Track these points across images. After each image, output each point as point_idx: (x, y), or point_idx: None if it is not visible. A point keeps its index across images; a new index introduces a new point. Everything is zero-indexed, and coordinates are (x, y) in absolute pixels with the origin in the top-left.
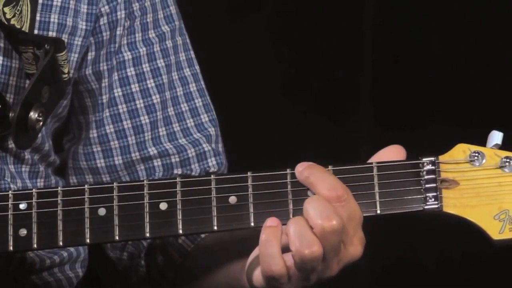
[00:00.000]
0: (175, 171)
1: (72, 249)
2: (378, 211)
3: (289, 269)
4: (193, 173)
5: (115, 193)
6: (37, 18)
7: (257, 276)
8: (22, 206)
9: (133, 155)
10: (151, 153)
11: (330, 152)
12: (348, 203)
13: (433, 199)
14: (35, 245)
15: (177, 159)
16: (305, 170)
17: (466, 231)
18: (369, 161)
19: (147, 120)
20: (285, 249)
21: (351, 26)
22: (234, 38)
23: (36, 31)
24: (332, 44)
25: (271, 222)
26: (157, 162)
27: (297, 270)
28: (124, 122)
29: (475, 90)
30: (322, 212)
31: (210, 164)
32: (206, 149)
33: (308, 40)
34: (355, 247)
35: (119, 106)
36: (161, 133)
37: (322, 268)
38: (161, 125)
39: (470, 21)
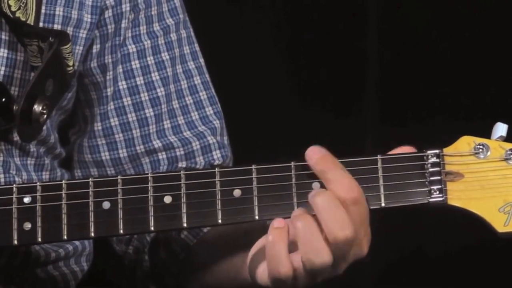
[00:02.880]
0: (180, 164)
1: (77, 242)
2: (383, 204)
3: (296, 270)
4: (198, 166)
5: (119, 186)
6: (42, 10)
7: (262, 274)
8: (27, 199)
9: (137, 148)
10: (156, 146)
11: (335, 146)
12: (362, 204)
13: (437, 192)
14: (39, 239)
15: (182, 152)
16: (320, 162)
17: (471, 224)
18: None
19: (152, 113)
20: (291, 244)
21: (357, 20)
22: (238, 31)
23: (41, 24)
24: (338, 38)
25: (278, 223)
26: (161, 155)
27: (304, 273)
28: (129, 115)
29: (480, 84)
30: (337, 220)
31: (215, 156)
32: (211, 141)
33: (313, 34)
34: (363, 248)
35: (124, 99)
36: (165, 126)
37: (330, 271)
38: (166, 118)
39: (475, 15)
